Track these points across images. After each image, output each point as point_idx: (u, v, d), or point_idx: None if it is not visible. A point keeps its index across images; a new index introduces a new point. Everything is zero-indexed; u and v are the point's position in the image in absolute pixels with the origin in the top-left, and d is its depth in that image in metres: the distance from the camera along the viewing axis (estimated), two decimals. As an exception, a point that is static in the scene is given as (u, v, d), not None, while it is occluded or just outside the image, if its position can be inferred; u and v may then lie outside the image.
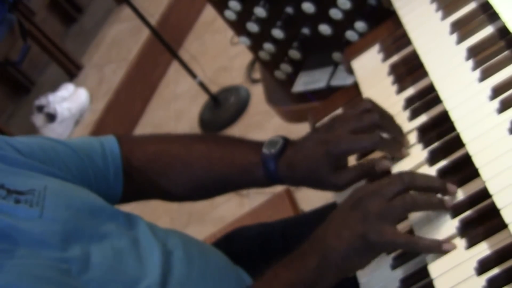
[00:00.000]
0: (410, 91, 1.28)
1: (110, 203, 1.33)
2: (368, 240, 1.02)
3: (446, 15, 1.28)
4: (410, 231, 1.09)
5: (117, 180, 1.35)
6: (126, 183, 1.36)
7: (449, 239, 1.01)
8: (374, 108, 1.20)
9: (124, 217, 1.27)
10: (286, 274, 1.09)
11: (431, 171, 1.12)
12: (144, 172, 1.38)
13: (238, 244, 1.56)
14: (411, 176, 1.05)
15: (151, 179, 1.39)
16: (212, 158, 1.35)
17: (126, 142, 1.40)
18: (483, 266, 0.95)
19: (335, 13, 1.58)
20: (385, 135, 1.18)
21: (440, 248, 1.00)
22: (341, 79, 1.65)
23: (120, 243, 1.19)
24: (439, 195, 1.05)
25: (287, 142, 1.28)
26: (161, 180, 1.38)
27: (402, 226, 1.13)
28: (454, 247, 1.00)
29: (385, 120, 1.19)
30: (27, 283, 1.00)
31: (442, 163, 1.12)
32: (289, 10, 1.67)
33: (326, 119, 1.41)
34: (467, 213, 1.02)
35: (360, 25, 1.56)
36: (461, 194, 1.06)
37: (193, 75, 3.59)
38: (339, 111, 1.43)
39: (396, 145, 1.18)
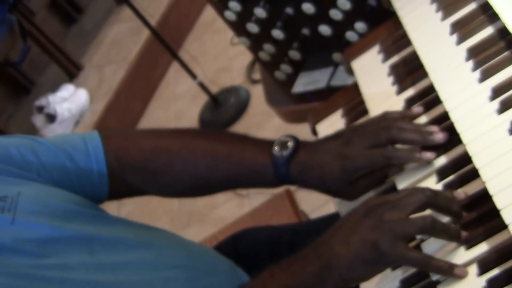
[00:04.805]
0: (410, 92, 1.28)
1: (96, 202, 1.29)
2: (379, 250, 0.97)
3: (446, 15, 1.28)
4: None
5: (102, 179, 1.29)
6: (114, 182, 1.31)
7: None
8: (391, 124, 1.15)
9: (104, 220, 1.23)
10: (282, 276, 1.05)
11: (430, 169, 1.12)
12: (140, 169, 1.32)
13: (245, 246, 1.53)
14: (433, 192, 1.00)
15: (148, 176, 1.33)
16: (217, 156, 1.29)
17: (117, 137, 1.34)
18: (483, 267, 0.95)
19: (335, 14, 1.58)
20: (400, 149, 1.13)
21: (451, 271, 0.95)
22: (341, 80, 1.65)
23: (98, 246, 1.15)
24: (457, 227, 1.00)
25: (298, 143, 1.23)
26: (159, 178, 1.33)
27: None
28: (466, 273, 0.95)
29: (402, 132, 1.14)
30: None
31: (442, 161, 1.12)
32: (289, 10, 1.67)
33: (344, 127, 1.36)
34: (467, 213, 1.02)
35: (360, 25, 1.56)
36: (461, 195, 1.05)
37: (193, 75, 3.59)
38: (339, 111, 1.43)
39: (413, 153, 1.12)
